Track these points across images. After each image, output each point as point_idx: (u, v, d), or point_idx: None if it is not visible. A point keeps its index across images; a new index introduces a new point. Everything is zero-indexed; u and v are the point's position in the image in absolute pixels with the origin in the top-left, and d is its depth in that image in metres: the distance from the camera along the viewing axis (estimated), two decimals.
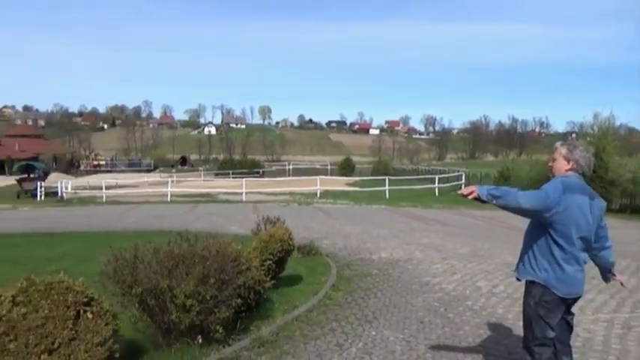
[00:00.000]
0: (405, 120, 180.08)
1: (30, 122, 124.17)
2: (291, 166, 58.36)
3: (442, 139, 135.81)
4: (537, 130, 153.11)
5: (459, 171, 34.15)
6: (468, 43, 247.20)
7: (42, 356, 3.42)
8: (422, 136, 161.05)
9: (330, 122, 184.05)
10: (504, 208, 3.12)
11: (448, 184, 29.14)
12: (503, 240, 11.16)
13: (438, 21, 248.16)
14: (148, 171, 63.83)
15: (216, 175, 51.50)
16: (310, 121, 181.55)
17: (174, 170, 60.26)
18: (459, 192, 3.24)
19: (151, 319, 4.42)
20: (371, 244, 10.75)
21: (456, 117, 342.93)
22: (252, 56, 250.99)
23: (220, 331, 4.37)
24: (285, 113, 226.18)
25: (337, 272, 7.73)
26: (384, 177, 28.90)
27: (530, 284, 3.29)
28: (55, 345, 3.48)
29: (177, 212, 18.78)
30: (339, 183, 33.58)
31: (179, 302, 4.20)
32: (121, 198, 27.03)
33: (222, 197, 26.84)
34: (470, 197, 3.14)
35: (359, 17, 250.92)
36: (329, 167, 53.96)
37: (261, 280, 5.36)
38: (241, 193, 25.85)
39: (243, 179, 29.65)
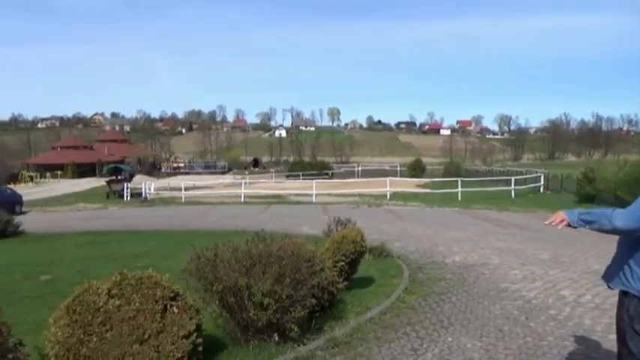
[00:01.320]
0: (478, 119, 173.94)
1: (117, 128, 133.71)
2: (360, 168, 58.26)
3: (518, 139, 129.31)
4: (625, 128, 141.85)
5: (536, 172, 32.37)
6: (544, 37, 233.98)
7: (134, 346, 3.68)
8: (496, 136, 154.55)
9: (399, 123, 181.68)
10: (600, 232, 2.92)
11: (525, 186, 27.74)
12: (588, 246, 10.44)
13: (510, 15, 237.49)
14: (223, 173, 66.31)
15: (287, 176, 52.47)
16: (379, 122, 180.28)
17: (246, 172, 62.15)
18: (547, 222, 3.07)
19: (230, 315, 4.60)
20: (444, 248, 10.48)
21: (533, 116, 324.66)
22: (320, 59, 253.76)
23: (295, 330, 4.46)
24: (353, 115, 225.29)
25: (410, 275, 7.62)
26: (456, 178, 28.05)
27: (623, 295, 3.05)
28: (146, 336, 3.72)
29: (251, 213, 19.40)
30: (409, 184, 33.00)
31: (256, 300, 4.34)
32: (199, 199, 28.35)
33: (293, 198, 27.34)
34: (560, 227, 2.97)
35: (428, 15, 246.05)
36: (398, 169, 53.21)
37: (335, 281, 5.41)
38: (311, 195, 26.19)
39: (314, 181, 30.02)
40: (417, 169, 48.82)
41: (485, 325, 5.36)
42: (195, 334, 3.88)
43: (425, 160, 60.32)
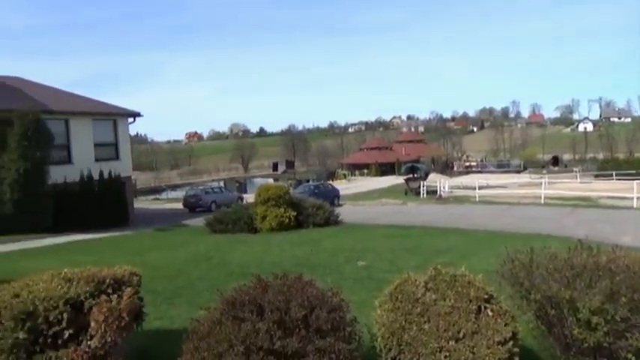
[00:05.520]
0: None
1: (412, 129, 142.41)
2: None
3: None
4: None
5: None
6: None
7: (450, 342, 3.74)
8: None
9: None
10: None
11: None
12: None
13: None
14: (517, 172, 62.54)
15: (596, 176, 45.60)
16: None
17: (544, 171, 56.99)
18: None
19: (547, 329, 4.22)
20: None
21: None
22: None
23: None
24: None
25: None
26: None
27: None
28: (461, 335, 3.74)
29: (553, 216, 17.62)
30: None
31: (582, 317, 3.84)
32: (493, 198, 27.45)
33: (606, 202, 23.56)
34: None
35: None
36: None
37: None
38: (631, 198, 22.00)
39: (634, 182, 25.11)
40: None
41: None
42: (511, 342, 3.70)
43: None
